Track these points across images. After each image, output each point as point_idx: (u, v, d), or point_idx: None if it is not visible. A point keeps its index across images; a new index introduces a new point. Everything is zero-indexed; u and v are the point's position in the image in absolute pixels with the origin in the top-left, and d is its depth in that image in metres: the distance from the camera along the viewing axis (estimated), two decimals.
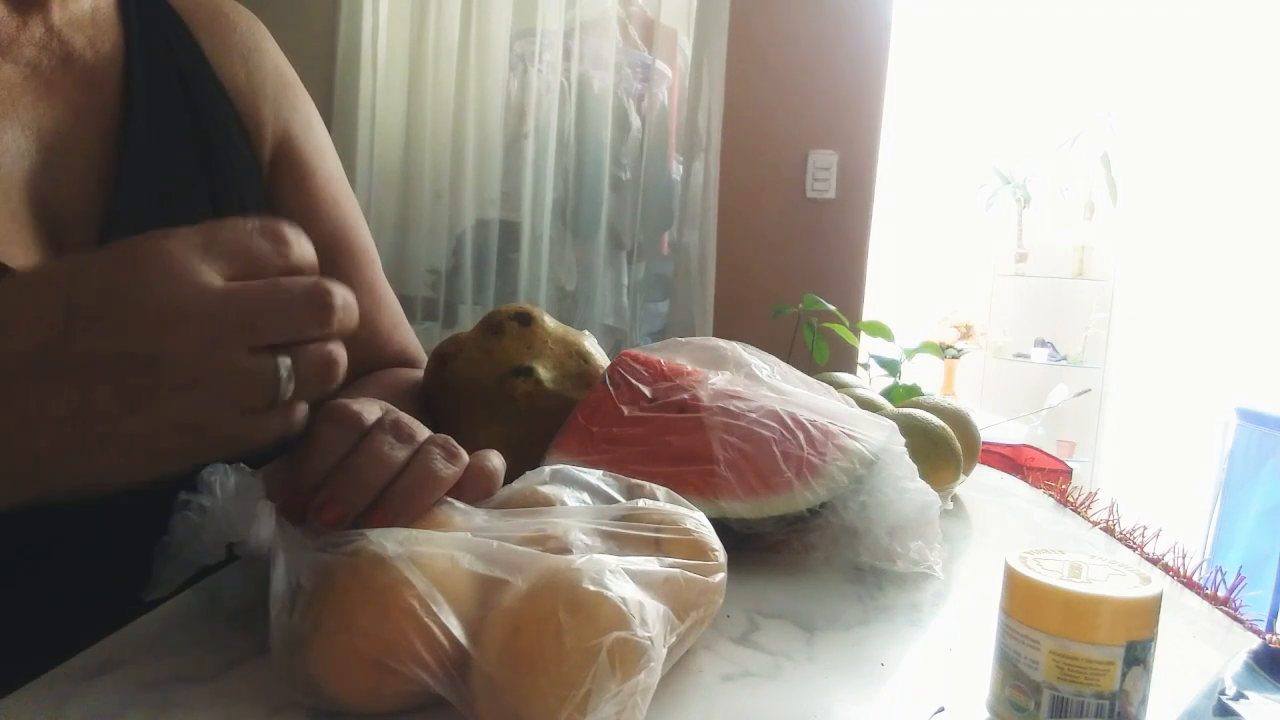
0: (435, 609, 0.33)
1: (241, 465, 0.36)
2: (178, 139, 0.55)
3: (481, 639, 0.33)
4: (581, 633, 0.32)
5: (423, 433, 0.41)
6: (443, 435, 0.41)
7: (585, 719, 0.31)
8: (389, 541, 0.34)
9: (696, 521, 0.41)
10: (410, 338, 0.74)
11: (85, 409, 0.30)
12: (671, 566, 0.37)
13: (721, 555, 0.41)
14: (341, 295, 0.34)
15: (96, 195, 0.51)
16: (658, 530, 0.39)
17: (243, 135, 0.60)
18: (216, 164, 0.57)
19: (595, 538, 0.38)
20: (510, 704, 0.31)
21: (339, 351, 0.34)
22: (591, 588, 0.33)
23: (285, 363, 0.32)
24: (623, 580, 0.34)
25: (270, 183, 0.62)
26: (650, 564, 0.37)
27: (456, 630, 0.33)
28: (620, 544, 0.38)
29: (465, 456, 0.41)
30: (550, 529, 0.37)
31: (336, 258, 0.66)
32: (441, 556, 0.34)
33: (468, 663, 0.33)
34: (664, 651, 0.35)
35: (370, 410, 0.41)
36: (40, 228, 0.48)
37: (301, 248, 0.34)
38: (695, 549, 0.40)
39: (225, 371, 0.31)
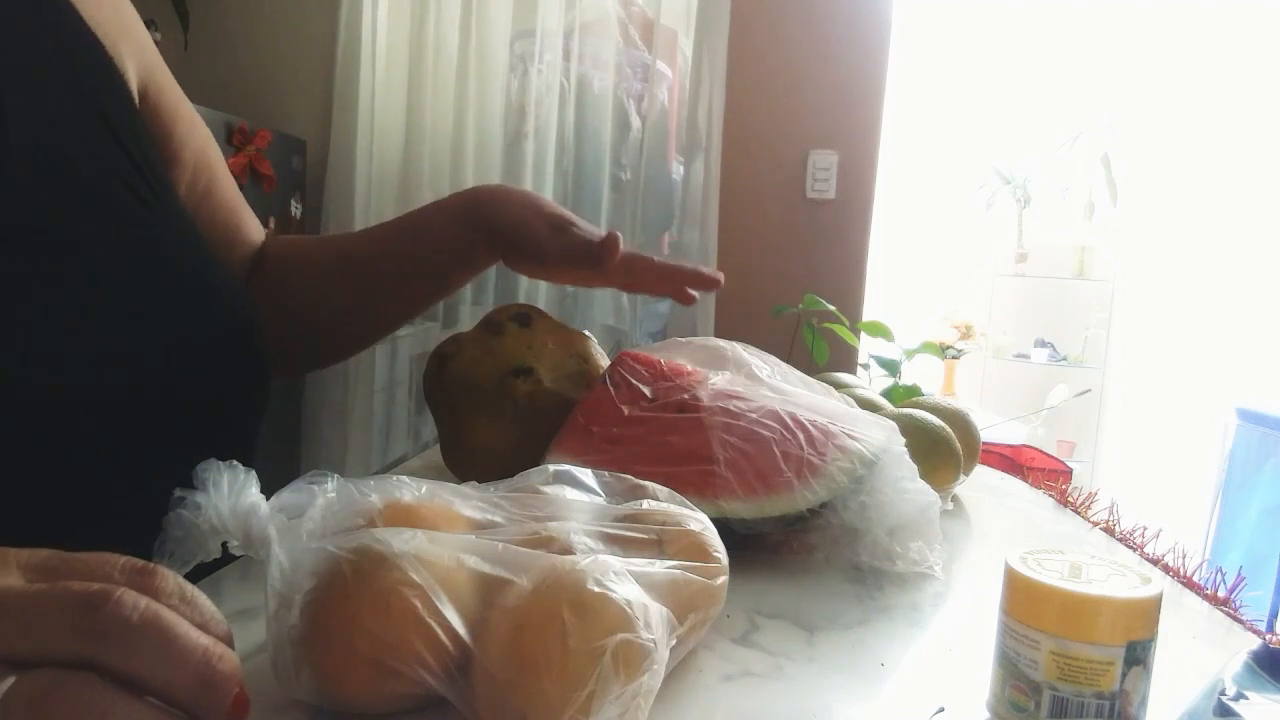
0: (438, 608, 0.33)
1: (234, 462, 0.36)
2: (51, 67, 0.50)
3: (484, 639, 0.33)
4: (586, 634, 0.31)
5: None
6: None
7: (589, 718, 0.31)
8: (393, 540, 0.34)
9: (699, 523, 0.41)
10: (257, 225, 0.73)
11: None
12: (674, 568, 0.37)
13: (724, 558, 0.41)
14: (138, 611, 0.24)
15: None
16: (660, 531, 0.39)
17: (113, 68, 0.55)
18: (98, 95, 0.52)
19: (598, 539, 0.38)
20: (513, 704, 0.31)
21: (78, 690, 0.23)
22: (596, 589, 0.33)
23: (4, 685, 0.23)
24: (627, 582, 0.34)
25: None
26: (653, 565, 0.37)
27: (460, 630, 0.33)
28: (623, 545, 0.38)
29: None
30: (552, 530, 0.37)
31: (205, 187, 0.64)
32: (445, 556, 0.34)
33: (470, 663, 0.33)
34: (666, 653, 0.35)
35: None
36: None
37: (199, 605, 0.27)
38: (698, 551, 0.40)
39: None
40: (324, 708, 0.34)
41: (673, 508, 0.42)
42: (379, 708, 0.34)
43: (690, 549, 0.40)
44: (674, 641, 0.36)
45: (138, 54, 0.58)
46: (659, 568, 0.37)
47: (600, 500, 0.42)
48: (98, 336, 0.46)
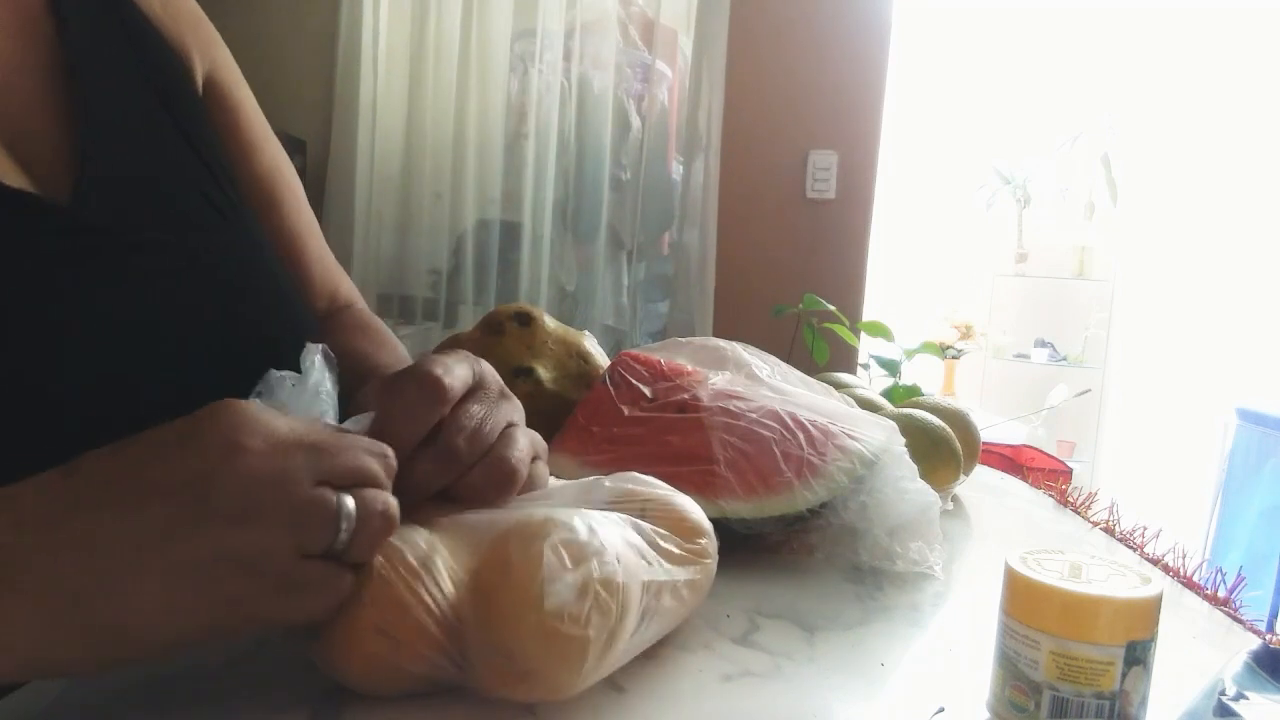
0: (434, 577, 0.34)
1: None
2: (121, 66, 0.52)
3: (461, 599, 0.34)
4: (526, 547, 0.33)
5: (508, 405, 0.40)
6: (522, 419, 0.41)
7: (546, 606, 0.31)
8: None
9: (686, 499, 0.42)
10: (342, 280, 0.71)
11: (125, 531, 0.28)
12: (655, 531, 0.38)
13: (710, 531, 0.42)
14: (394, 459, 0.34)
15: (54, 117, 0.47)
16: (643, 507, 0.40)
17: (180, 67, 0.56)
18: (168, 94, 0.54)
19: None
20: (491, 642, 0.32)
21: (395, 506, 0.33)
22: (541, 517, 0.34)
23: (349, 502, 0.31)
24: (576, 515, 0.35)
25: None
26: (623, 520, 0.38)
27: (449, 590, 0.34)
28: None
29: (543, 451, 0.42)
30: (537, 512, 0.38)
31: (269, 201, 0.64)
32: (424, 538, 0.35)
33: (463, 632, 0.33)
34: (623, 567, 0.34)
35: (457, 372, 0.38)
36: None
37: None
38: (678, 523, 0.40)
39: (285, 504, 0.29)
40: (325, 706, 0.34)
41: (661, 490, 0.42)
42: (387, 687, 0.34)
43: (671, 521, 0.40)
44: (656, 573, 0.37)
45: (201, 54, 0.59)
46: (631, 527, 0.38)
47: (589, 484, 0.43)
48: (162, 339, 0.46)
